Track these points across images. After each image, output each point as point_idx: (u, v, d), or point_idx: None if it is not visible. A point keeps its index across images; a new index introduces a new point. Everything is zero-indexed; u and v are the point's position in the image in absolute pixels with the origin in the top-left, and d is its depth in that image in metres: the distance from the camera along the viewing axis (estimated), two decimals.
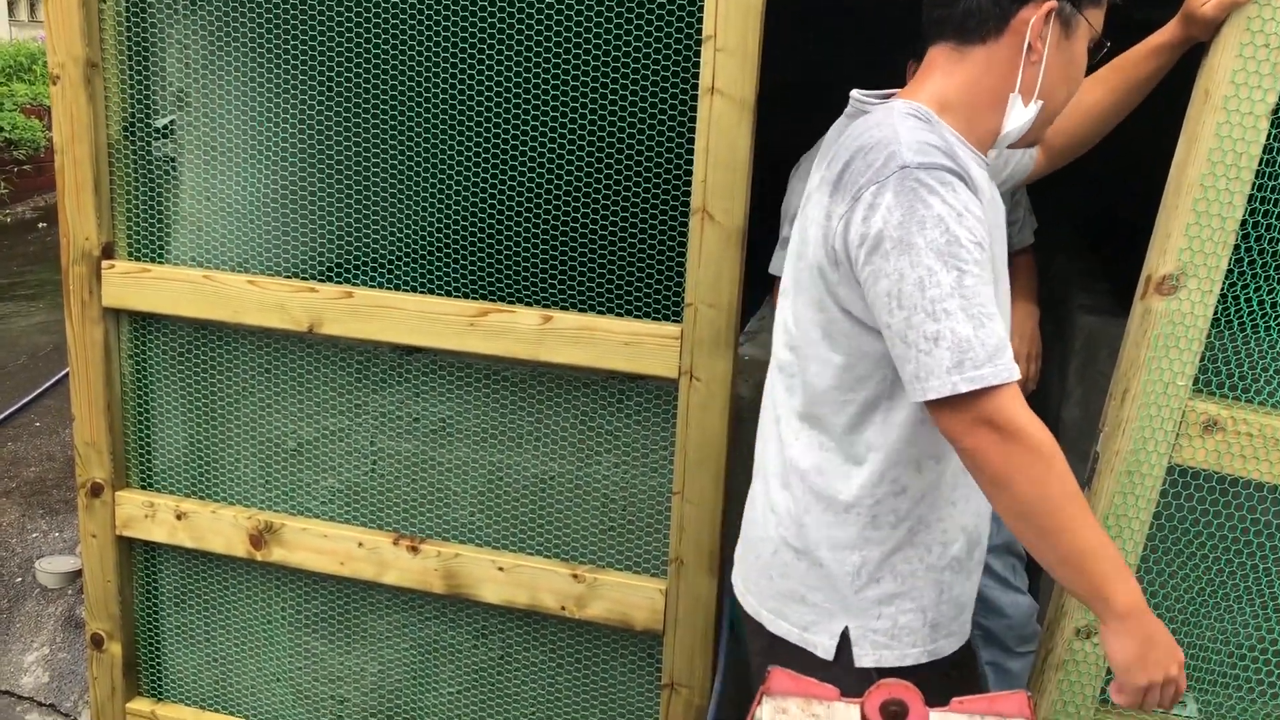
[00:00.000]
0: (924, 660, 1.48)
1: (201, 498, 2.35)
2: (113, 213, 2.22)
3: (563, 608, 2.12)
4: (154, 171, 2.24)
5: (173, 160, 2.26)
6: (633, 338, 1.95)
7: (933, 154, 1.30)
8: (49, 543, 3.64)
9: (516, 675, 2.26)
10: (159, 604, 2.45)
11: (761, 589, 1.54)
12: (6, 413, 4.73)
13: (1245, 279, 1.64)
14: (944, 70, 1.44)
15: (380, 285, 2.16)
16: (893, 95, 1.49)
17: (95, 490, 2.33)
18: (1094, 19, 1.45)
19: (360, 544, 2.21)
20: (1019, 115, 1.44)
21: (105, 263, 2.21)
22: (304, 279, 2.19)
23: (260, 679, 2.43)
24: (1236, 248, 1.61)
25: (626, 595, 2.08)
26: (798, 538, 1.48)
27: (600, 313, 2.00)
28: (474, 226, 2.38)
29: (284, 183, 2.29)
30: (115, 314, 2.26)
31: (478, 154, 2.21)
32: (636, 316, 1.98)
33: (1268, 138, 1.57)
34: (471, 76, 2.10)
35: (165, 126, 2.25)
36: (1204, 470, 1.68)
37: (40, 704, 3.09)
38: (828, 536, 1.46)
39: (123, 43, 2.16)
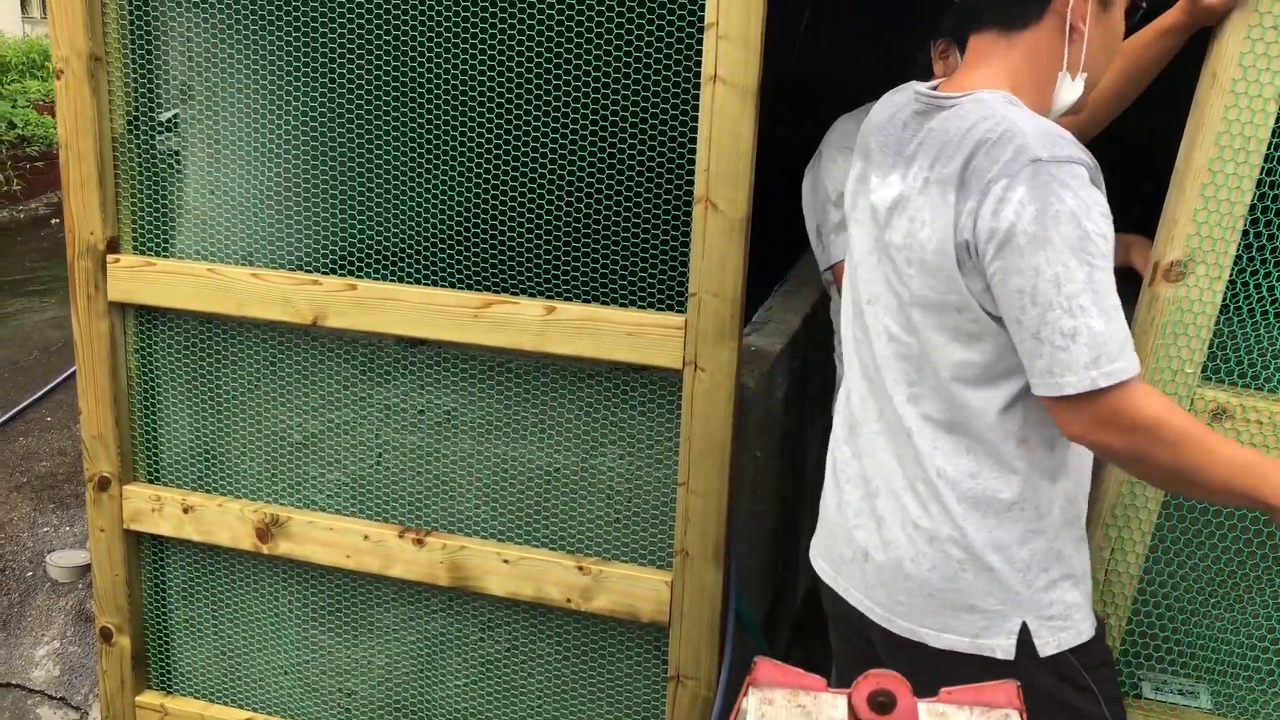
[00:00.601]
0: (1093, 632, 1.49)
1: (208, 491, 2.35)
2: (117, 207, 2.22)
3: (568, 600, 2.11)
4: (158, 165, 2.24)
5: (177, 154, 2.26)
6: (636, 328, 1.94)
7: (1062, 144, 1.30)
8: (60, 537, 3.65)
9: (523, 668, 2.26)
10: (167, 597, 2.46)
11: (917, 608, 1.49)
12: (18, 408, 4.75)
13: (1254, 265, 1.62)
14: (999, 56, 1.46)
15: (384, 277, 2.16)
16: (939, 87, 1.50)
17: (103, 484, 2.34)
18: None
19: (366, 537, 2.21)
20: (1068, 91, 1.46)
21: (110, 257, 2.21)
22: (308, 272, 2.19)
23: (268, 672, 2.43)
24: (1245, 233, 1.59)
25: (632, 587, 2.07)
26: (960, 548, 1.44)
27: (604, 304, 1.99)
28: (477, 218, 2.38)
29: (288, 176, 2.29)
30: (121, 308, 2.26)
31: (481, 145, 2.20)
32: (640, 307, 1.97)
33: (1276, 121, 1.55)
34: (474, 67, 2.09)
35: (169, 120, 2.25)
36: None
37: (51, 697, 3.10)
38: (993, 539, 1.43)
39: (126, 36, 2.15)
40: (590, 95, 2.03)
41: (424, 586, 2.24)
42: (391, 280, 2.12)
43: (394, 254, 2.48)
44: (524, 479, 2.16)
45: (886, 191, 1.47)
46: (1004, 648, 1.44)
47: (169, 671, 2.50)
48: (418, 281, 2.11)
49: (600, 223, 2.03)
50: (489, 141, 2.20)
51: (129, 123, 2.19)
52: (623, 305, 1.98)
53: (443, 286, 2.07)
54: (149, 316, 2.29)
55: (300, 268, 2.25)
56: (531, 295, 2.04)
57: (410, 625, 2.31)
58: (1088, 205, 1.27)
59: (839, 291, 2.25)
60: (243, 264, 2.24)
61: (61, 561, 3.45)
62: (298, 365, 2.23)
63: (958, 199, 1.33)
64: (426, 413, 2.19)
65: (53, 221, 9.40)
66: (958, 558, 1.44)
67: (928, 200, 1.38)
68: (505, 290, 2.08)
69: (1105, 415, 1.27)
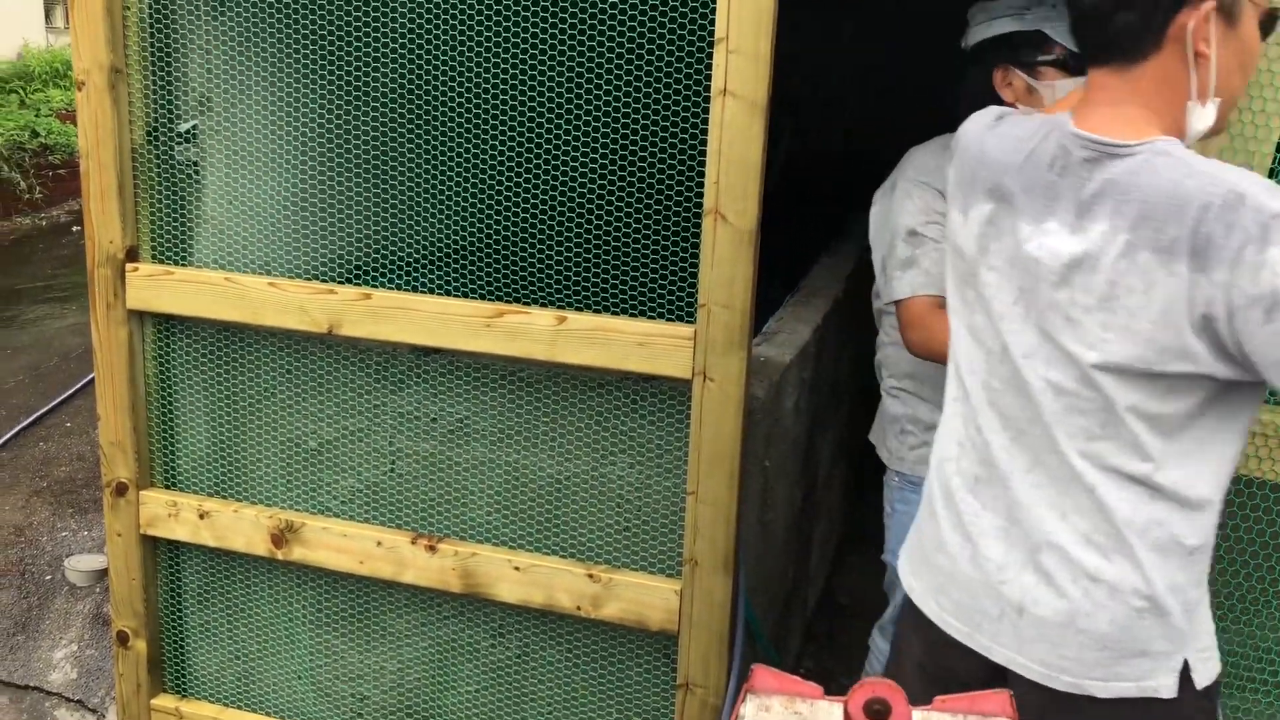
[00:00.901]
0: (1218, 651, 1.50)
1: (224, 497, 2.38)
2: (137, 216, 2.25)
3: (578, 608, 2.13)
4: (177, 175, 2.27)
5: (196, 164, 2.30)
6: (646, 338, 1.96)
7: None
8: (78, 541, 3.69)
9: (533, 674, 2.27)
10: (183, 602, 2.49)
11: (1086, 661, 1.45)
12: (39, 413, 4.81)
13: None
14: (1128, 90, 1.40)
15: (398, 287, 2.18)
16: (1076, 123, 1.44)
17: (120, 490, 2.37)
18: None
19: (379, 543, 2.24)
20: (1199, 119, 1.40)
21: (129, 265, 2.25)
22: (324, 281, 2.22)
23: (282, 676, 2.46)
24: None
25: (642, 595, 2.09)
26: (1143, 597, 1.42)
27: (614, 314, 2.01)
28: (491, 230, 2.40)
29: (304, 187, 2.32)
30: (139, 316, 2.30)
31: (495, 159, 2.23)
32: (650, 318, 1.99)
33: None
34: (489, 81, 2.11)
35: (188, 131, 2.28)
36: None
37: (68, 700, 3.14)
38: (1172, 583, 1.42)
39: (146, 49, 2.19)
40: (602, 109, 2.05)
41: (436, 593, 2.27)
42: (406, 290, 2.15)
43: (409, 264, 2.51)
44: (535, 487, 2.18)
45: (1053, 243, 1.41)
46: (1168, 686, 1.43)
47: (184, 675, 2.53)
48: (431, 291, 2.14)
49: (611, 234, 2.05)
50: (503, 155, 2.23)
51: (149, 133, 2.23)
52: (633, 316, 2.00)
53: (456, 296, 2.10)
54: (167, 324, 2.32)
55: (316, 277, 2.28)
56: (543, 305, 2.06)
57: (422, 631, 2.33)
58: None
59: (896, 326, 2.19)
60: (259, 273, 2.27)
61: (79, 565, 3.49)
62: (313, 373, 2.26)
63: (1191, 269, 1.29)
64: (439, 420, 2.22)
65: (74, 229, 9.48)
66: (1138, 606, 1.42)
67: (1135, 266, 1.32)
68: (518, 300, 2.10)
69: None
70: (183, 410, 2.37)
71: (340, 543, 2.26)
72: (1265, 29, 1.43)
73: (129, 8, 2.17)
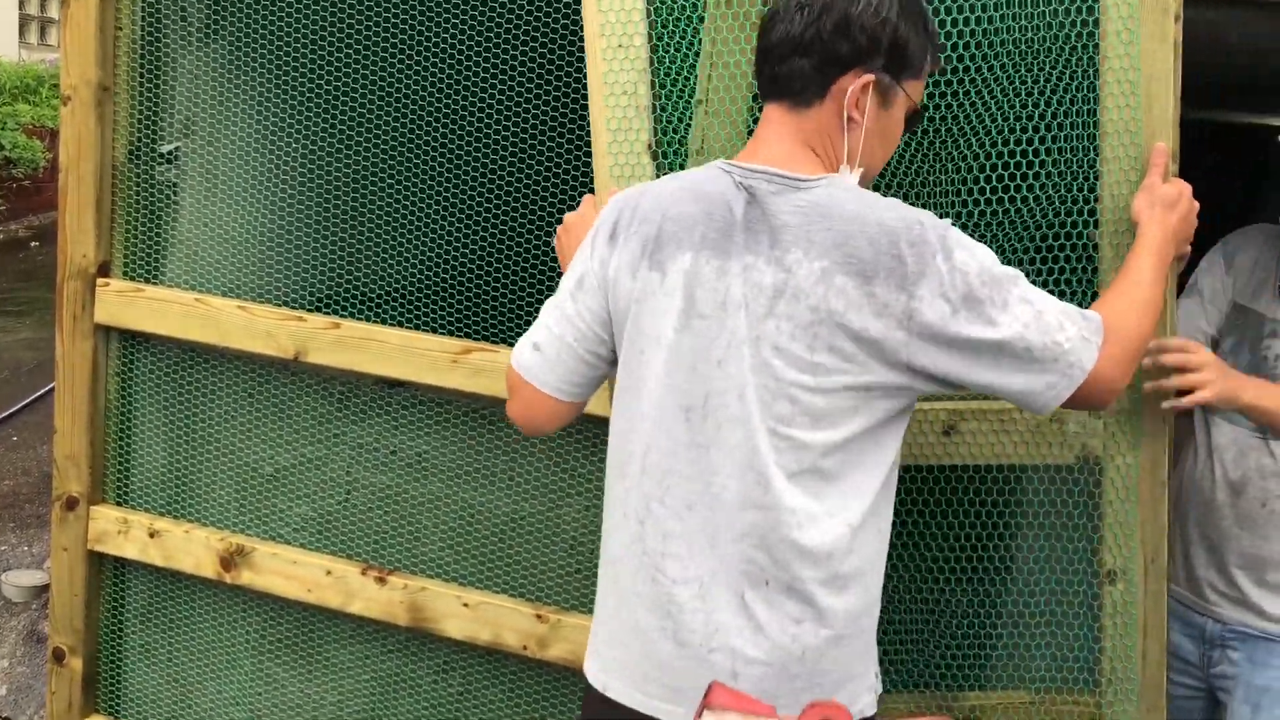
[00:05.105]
0: None
1: (176, 517, 2.37)
2: (111, 232, 2.27)
3: (525, 647, 2.14)
4: (155, 195, 2.30)
5: (174, 186, 2.32)
6: (605, 384, 2.00)
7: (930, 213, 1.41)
8: (16, 556, 3.64)
9: (474, 713, 2.27)
10: (124, 621, 2.47)
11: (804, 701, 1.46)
12: None
13: None
14: (793, 129, 1.47)
15: (366, 319, 2.21)
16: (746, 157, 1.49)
17: (70, 504, 2.36)
18: (913, 90, 1.49)
19: (329, 572, 2.24)
20: (847, 181, 1.46)
21: (100, 280, 2.26)
22: (293, 308, 2.24)
23: (219, 702, 2.44)
24: None
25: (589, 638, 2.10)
26: (833, 626, 1.48)
27: None
28: (461, 266, 2.44)
29: (279, 215, 2.35)
30: (106, 331, 2.31)
31: (468, 197, 2.28)
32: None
33: None
34: (465, 118, 2.17)
35: (170, 153, 2.31)
36: None
37: None
38: (853, 608, 1.50)
39: (135, 69, 2.23)
40: (576, 147, 2.10)
41: (382, 626, 2.27)
42: (375, 322, 2.18)
43: (377, 298, 2.54)
44: (489, 524, 2.20)
45: (755, 277, 1.40)
46: (869, 704, 1.50)
47: (119, 696, 2.49)
48: (400, 325, 2.17)
49: None
50: (476, 194, 2.28)
51: (130, 152, 2.26)
52: None
53: (424, 331, 2.13)
54: (133, 341, 2.33)
55: (285, 304, 2.30)
56: (509, 343, 2.09)
57: (365, 664, 2.33)
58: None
59: None
60: (229, 296, 2.29)
61: (16, 580, 3.44)
62: (275, 399, 2.28)
63: (887, 288, 1.34)
64: (398, 454, 2.24)
65: (32, 244, 9.40)
66: (835, 635, 1.48)
67: (833, 289, 1.36)
68: (485, 338, 2.14)
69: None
70: (141, 428, 2.37)
71: (289, 569, 2.26)
72: (910, 122, 1.53)
73: (121, 28, 2.21)
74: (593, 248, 1.54)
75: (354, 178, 2.42)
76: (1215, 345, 2.11)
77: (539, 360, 1.56)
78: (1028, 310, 1.37)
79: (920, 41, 1.47)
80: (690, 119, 1.84)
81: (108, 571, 2.43)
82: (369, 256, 2.50)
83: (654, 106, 1.84)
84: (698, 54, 1.82)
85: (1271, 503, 1.98)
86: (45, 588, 3.15)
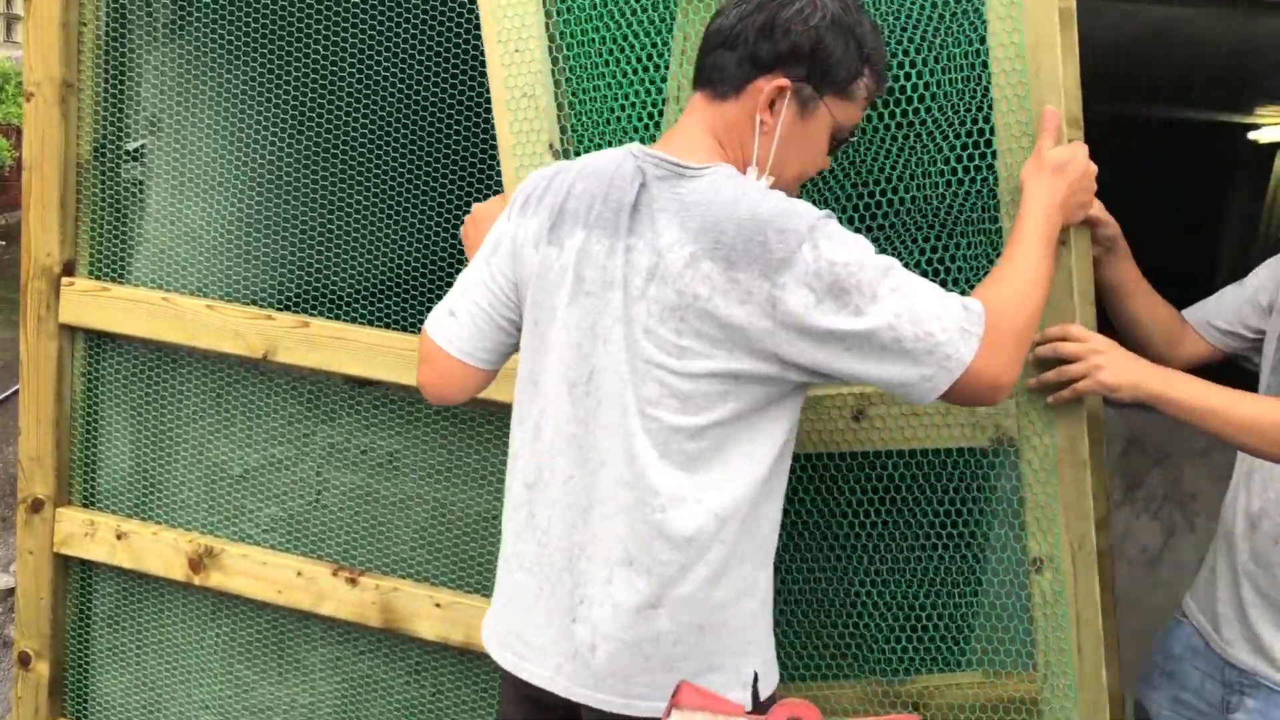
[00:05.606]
0: None
1: (143, 519, 2.35)
2: (76, 231, 2.24)
3: None
4: (121, 193, 2.27)
5: (140, 183, 2.30)
6: None
7: (810, 206, 1.38)
8: None
9: (448, 714, 2.26)
10: (91, 625, 2.44)
11: (662, 684, 1.47)
12: None
13: None
14: (708, 120, 1.48)
15: (336, 317, 2.20)
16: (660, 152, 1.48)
17: (36, 506, 2.33)
18: (838, 110, 1.47)
19: (299, 573, 2.22)
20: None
21: (65, 280, 2.23)
22: (262, 307, 2.22)
23: (188, 706, 2.41)
24: None
25: None
26: (701, 613, 1.49)
27: None
28: (427, 262, 2.43)
29: (247, 213, 2.33)
30: (71, 331, 2.28)
31: (438, 196, 2.26)
32: None
33: None
34: (435, 114, 2.15)
35: (136, 150, 2.28)
36: None
37: None
38: (727, 597, 1.49)
39: (100, 66, 2.20)
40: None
41: (354, 627, 2.25)
42: (344, 320, 2.16)
43: (347, 296, 2.53)
44: (461, 524, 2.18)
45: (636, 259, 1.42)
46: (743, 700, 1.48)
47: (86, 700, 2.47)
48: (370, 324, 2.15)
49: None
50: (446, 192, 2.27)
51: (95, 149, 2.23)
52: None
53: (395, 329, 2.12)
54: (99, 341, 2.30)
55: (254, 303, 2.28)
56: None
57: (336, 666, 2.31)
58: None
59: None
60: (197, 295, 2.27)
61: None
62: (244, 398, 2.26)
63: (751, 275, 1.34)
64: (369, 453, 2.22)
65: None
66: (698, 623, 1.49)
67: (699, 275, 1.36)
68: None
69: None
70: (108, 428, 2.35)
71: (259, 570, 2.24)
72: (833, 144, 1.52)
73: (85, 24, 2.18)
74: (508, 216, 1.58)
75: (322, 175, 2.40)
76: (1250, 343, 1.92)
77: (454, 326, 1.60)
78: (900, 301, 1.34)
79: (850, 59, 1.45)
80: (602, 115, 1.84)
81: (74, 574, 2.40)
82: (338, 254, 2.48)
83: (558, 106, 1.84)
84: (602, 52, 1.83)
85: None
86: (10, 591, 3.11)
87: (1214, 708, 1.89)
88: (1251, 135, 5.99)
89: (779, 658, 1.58)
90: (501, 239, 1.58)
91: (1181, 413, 1.63)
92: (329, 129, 2.34)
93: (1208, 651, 1.90)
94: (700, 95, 1.50)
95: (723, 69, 1.46)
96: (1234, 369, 1.95)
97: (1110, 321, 1.93)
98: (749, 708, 1.46)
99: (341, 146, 2.40)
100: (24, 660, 2.41)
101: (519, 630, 1.54)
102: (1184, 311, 1.97)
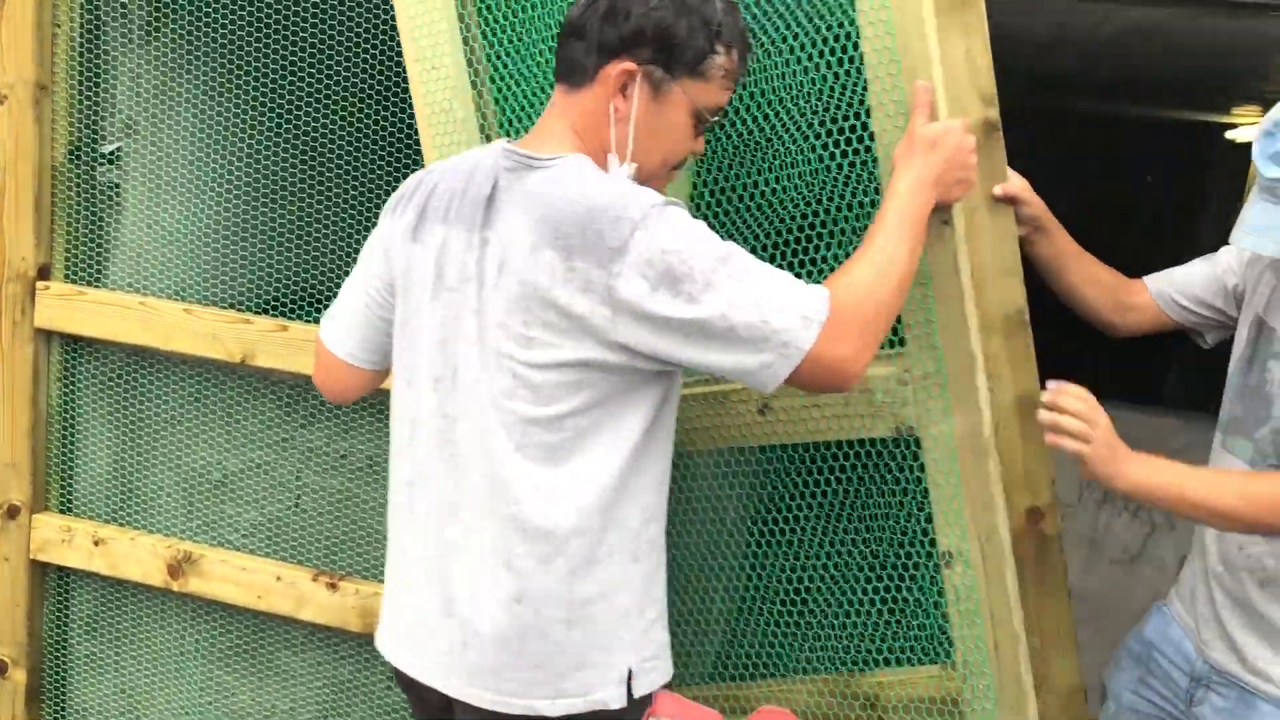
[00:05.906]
0: None
1: (121, 525, 2.33)
2: (52, 235, 2.23)
3: None
4: (97, 197, 2.25)
5: (117, 187, 2.28)
6: None
7: (649, 193, 1.38)
8: None
9: None
10: (68, 632, 2.42)
11: (531, 680, 1.47)
12: None
13: None
14: (565, 112, 1.47)
15: (315, 321, 2.18)
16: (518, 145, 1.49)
17: (12, 512, 2.31)
18: (694, 91, 1.45)
19: (279, 578, 2.21)
20: (616, 173, 1.45)
21: (40, 284, 2.22)
22: (240, 311, 2.21)
23: (168, 712, 2.39)
24: None
25: None
26: (566, 609, 1.48)
27: None
28: None
29: (225, 216, 2.31)
30: (47, 335, 2.26)
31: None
32: None
33: None
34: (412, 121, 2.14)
35: (111, 153, 2.27)
36: None
37: None
38: (596, 592, 1.48)
39: (75, 68, 2.18)
40: None
41: (334, 632, 2.24)
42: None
43: (327, 300, 2.51)
44: None
45: (490, 251, 1.42)
46: (616, 697, 1.46)
47: (64, 709, 2.44)
48: None
49: None
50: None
51: (70, 152, 2.21)
52: None
53: None
54: (75, 346, 2.29)
55: (232, 307, 2.27)
56: None
57: (317, 671, 2.30)
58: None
59: None
60: (174, 299, 2.25)
61: None
62: (222, 403, 2.24)
63: (587, 263, 1.33)
64: (349, 457, 2.21)
65: None
66: (564, 618, 1.48)
67: (540, 264, 1.35)
68: None
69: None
70: (84, 434, 2.33)
71: (239, 576, 2.23)
72: (697, 126, 1.49)
73: (59, 25, 2.17)
74: (382, 218, 1.60)
75: (299, 177, 2.39)
76: (1206, 320, 1.91)
77: (334, 327, 1.65)
78: (735, 289, 1.32)
79: (697, 38, 1.43)
80: (525, 125, 1.83)
81: (51, 581, 2.38)
82: (317, 257, 2.47)
83: (481, 118, 1.84)
84: (525, 60, 1.83)
85: (1248, 546, 1.75)
86: None
87: (1178, 697, 1.88)
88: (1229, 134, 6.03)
89: (739, 655, 1.57)
90: (373, 241, 1.60)
91: (1155, 503, 1.67)
92: (306, 131, 2.33)
93: (1183, 644, 1.89)
94: (559, 88, 1.49)
95: (574, 59, 1.45)
96: (1182, 337, 1.98)
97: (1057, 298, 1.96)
98: (623, 704, 1.44)
99: (319, 148, 2.39)
100: (0, 669, 2.38)
101: (403, 623, 1.55)
102: (1147, 279, 1.95)
